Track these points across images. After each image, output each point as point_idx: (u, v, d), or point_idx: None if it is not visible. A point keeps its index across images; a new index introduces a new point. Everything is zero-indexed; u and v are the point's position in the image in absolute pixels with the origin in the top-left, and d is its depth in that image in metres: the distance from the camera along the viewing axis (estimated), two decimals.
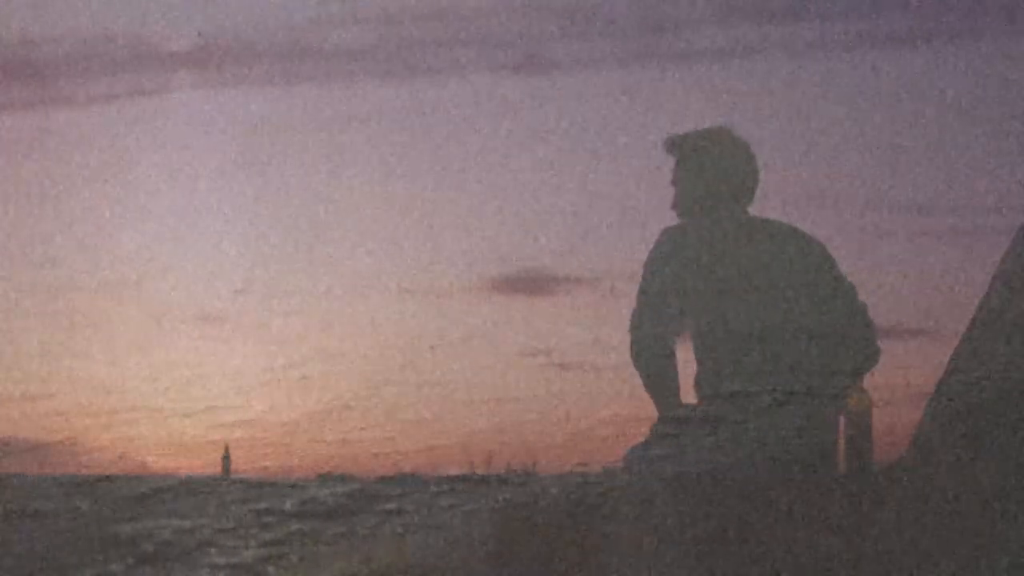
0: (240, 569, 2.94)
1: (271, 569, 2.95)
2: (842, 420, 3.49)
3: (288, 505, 3.47)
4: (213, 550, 3.08)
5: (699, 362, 3.62)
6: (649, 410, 3.59)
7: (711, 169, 3.60)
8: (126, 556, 2.91)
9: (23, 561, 2.94)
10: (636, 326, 3.59)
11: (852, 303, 3.57)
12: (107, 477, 3.72)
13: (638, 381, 3.63)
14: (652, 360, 3.55)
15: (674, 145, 3.63)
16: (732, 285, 3.55)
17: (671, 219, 3.74)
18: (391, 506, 3.41)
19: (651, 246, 3.68)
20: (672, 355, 3.57)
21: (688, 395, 3.64)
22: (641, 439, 3.57)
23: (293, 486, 3.75)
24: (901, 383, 4.14)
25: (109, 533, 3.12)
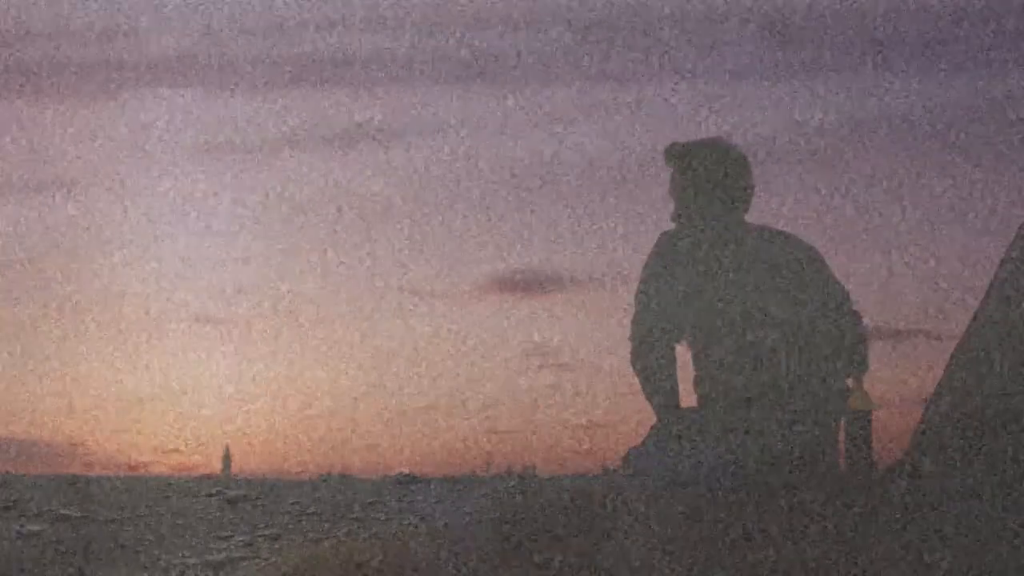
0: (238, 567, 2.94)
1: (269, 568, 2.96)
2: (842, 420, 3.49)
3: (287, 505, 3.47)
4: (212, 548, 3.08)
5: (697, 365, 3.61)
6: (649, 411, 3.59)
7: (708, 178, 3.62)
8: (125, 554, 2.92)
9: (21, 560, 2.94)
10: (636, 331, 3.59)
11: (842, 308, 3.57)
12: (107, 477, 3.71)
13: (637, 382, 3.62)
14: (651, 364, 3.55)
15: (673, 154, 3.65)
16: (728, 289, 3.55)
17: (669, 222, 3.74)
18: (391, 506, 3.41)
19: (649, 249, 3.68)
20: (672, 359, 3.57)
21: (687, 397, 3.63)
22: (641, 440, 3.56)
23: (292, 486, 3.75)
24: (901, 383, 4.14)
25: (108, 532, 3.12)
